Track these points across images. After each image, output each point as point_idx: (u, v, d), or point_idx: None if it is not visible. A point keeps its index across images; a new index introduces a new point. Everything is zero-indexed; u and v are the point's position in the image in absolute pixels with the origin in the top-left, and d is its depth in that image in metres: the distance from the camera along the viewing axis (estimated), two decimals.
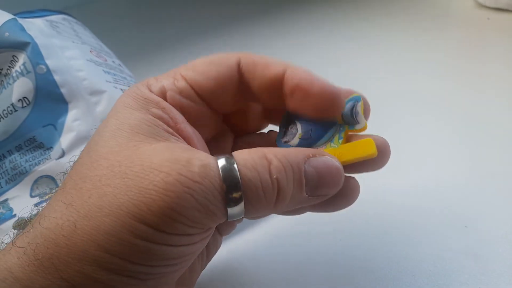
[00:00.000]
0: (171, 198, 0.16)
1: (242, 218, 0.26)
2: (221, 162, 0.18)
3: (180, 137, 0.20)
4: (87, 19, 0.45)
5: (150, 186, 0.17)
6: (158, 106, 0.20)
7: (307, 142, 0.22)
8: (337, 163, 0.20)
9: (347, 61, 0.50)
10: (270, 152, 0.19)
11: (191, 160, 0.17)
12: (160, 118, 0.20)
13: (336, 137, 0.22)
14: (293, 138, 0.22)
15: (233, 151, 0.21)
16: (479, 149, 0.36)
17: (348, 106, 0.22)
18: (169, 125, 0.20)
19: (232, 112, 0.24)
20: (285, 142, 0.22)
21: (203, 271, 0.26)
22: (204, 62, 0.22)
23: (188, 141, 0.20)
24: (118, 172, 0.17)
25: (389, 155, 0.22)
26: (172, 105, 0.21)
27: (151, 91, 0.21)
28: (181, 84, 0.21)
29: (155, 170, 0.17)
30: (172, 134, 0.20)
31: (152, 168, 0.17)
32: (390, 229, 0.30)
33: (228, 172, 0.18)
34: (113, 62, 0.38)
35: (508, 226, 0.29)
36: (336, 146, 0.21)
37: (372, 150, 0.20)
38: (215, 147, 0.24)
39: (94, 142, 0.19)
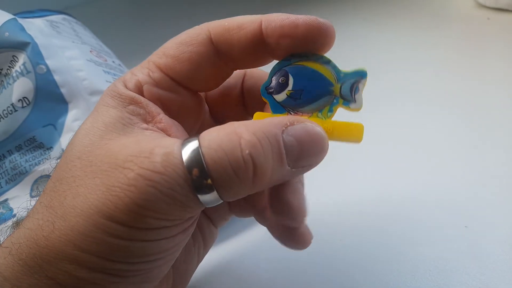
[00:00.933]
0: (134, 193, 0.16)
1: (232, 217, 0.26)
2: (186, 147, 0.17)
3: (158, 129, 0.19)
4: (87, 19, 0.45)
5: (115, 184, 0.16)
6: (133, 102, 0.20)
7: (294, 102, 0.20)
8: (318, 129, 0.18)
9: (347, 61, 0.50)
10: (242, 126, 0.17)
11: (154, 150, 0.17)
12: (136, 114, 0.19)
13: (326, 109, 0.20)
14: (280, 91, 0.20)
15: None
16: (479, 149, 0.36)
17: (349, 81, 0.20)
18: (146, 120, 0.19)
19: (215, 102, 0.24)
20: (270, 92, 0.21)
21: (203, 272, 0.26)
22: (174, 45, 0.21)
23: (167, 131, 0.20)
24: (90, 172, 0.17)
25: (307, 246, 0.21)
26: (150, 100, 0.20)
27: (126, 87, 0.20)
28: (157, 75, 0.20)
29: (119, 167, 0.17)
30: (147, 129, 0.19)
31: (117, 165, 0.17)
32: (390, 229, 0.30)
33: (192, 157, 0.16)
34: (113, 62, 0.38)
35: (508, 226, 0.29)
36: (323, 118, 0.20)
37: (360, 137, 0.19)
38: None
39: (71, 142, 0.19)
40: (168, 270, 0.21)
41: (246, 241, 0.30)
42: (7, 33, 0.30)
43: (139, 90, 0.20)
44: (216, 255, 0.29)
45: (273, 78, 0.21)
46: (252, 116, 0.21)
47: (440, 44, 0.54)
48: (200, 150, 0.17)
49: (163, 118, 0.20)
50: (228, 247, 0.30)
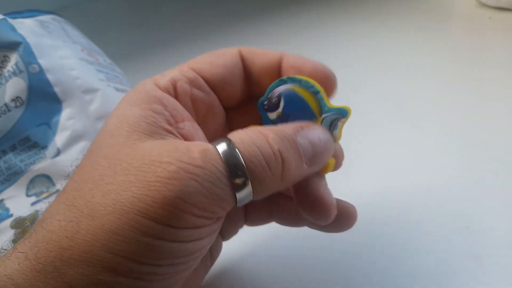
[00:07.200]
0: (176, 186, 0.17)
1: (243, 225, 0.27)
2: (220, 146, 0.18)
3: (179, 135, 0.20)
4: (75, 21, 0.45)
5: (153, 178, 0.17)
6: (160, 103, 0.20)
7: (281, 124, 0.23)
8: (326, 132, 0.22)
9: (348, 61, 0.51)
10: (264, 128, 0.20)
11: (190, 147, 0.18)
12: (160, 114, 0.20)
13: None
14: (272, 110, 0.23)
15: None
16: (480, 149, 0.37)
17: (331, 116, 0.22)
18: (169, 123, 0.20)
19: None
20: (264, 108, 0.23)
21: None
22: (207, 55, 0.23)
23: (188, 139, 0.20)
24: (120, 169, 0.17)
25: (355, 221, 0.24)
26: (183, 95, 0.22)
27: (158, 85, 0.21)
28: (191, 74, 0.22)
29: (156, 162, 0.17)
30: (170, 132, 0.20)
31: (153, 161, 0.17)
32: (390, 230, 0.30)
33: (228, 153, 0.18)
34: (105, 61, 0.38)
35: (510, 226, 0.30)
36: None
37: (326, 171, 0.23)
38: None
39: (94, 143, 0.20)
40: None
41: (246, 242, 0.30)
42: None
43: (173, 86, 0.22)
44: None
45: (269, 96, 0.23)
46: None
47: (441, 43, 0.55)
48: (234, 146, 0.18)
49: (186, 125, 0.21)
50: (228, 247, 0.30)
